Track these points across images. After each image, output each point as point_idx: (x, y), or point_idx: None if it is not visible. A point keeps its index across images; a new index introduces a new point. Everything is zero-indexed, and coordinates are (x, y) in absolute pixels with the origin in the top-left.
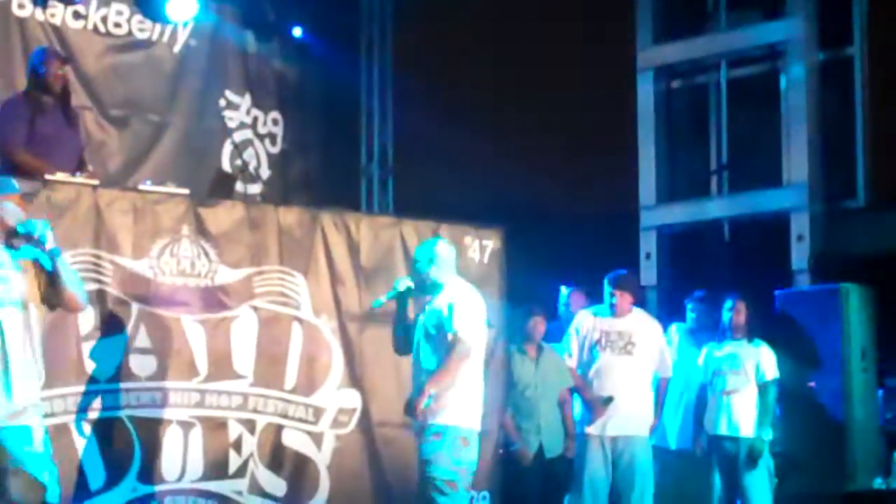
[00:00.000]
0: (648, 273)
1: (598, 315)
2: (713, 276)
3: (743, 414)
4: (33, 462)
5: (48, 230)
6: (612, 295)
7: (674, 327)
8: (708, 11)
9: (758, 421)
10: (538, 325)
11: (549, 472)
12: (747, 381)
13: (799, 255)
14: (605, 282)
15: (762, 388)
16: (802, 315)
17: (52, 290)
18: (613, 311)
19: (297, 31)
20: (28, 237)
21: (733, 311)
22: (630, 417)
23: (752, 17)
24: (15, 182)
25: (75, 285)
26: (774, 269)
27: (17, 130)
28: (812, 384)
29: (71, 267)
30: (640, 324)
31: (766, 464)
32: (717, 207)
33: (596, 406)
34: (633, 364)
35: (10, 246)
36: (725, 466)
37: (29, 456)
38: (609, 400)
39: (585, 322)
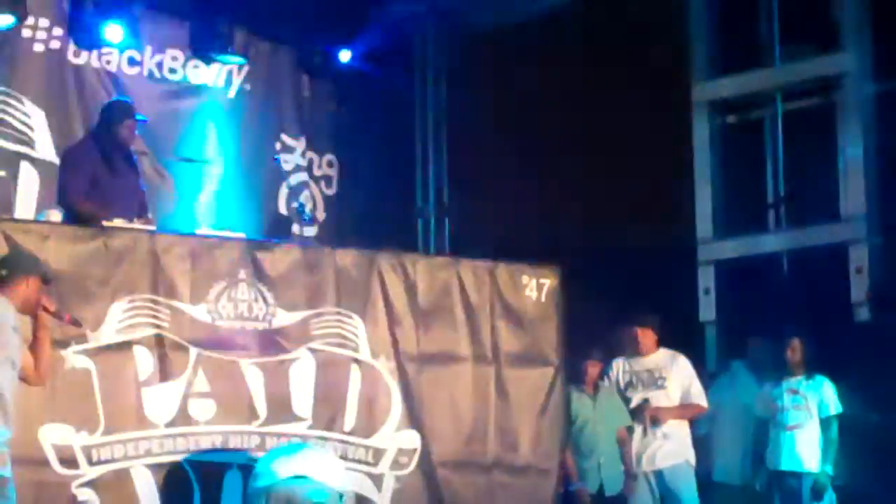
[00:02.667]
0: (707, 308)
1: (625, 358)
2: (772, 309)
3: (806, 449)
4: None
5: None
6: (634, 333)
7: (736, 363)
8: (762, 46)
9: (822, 455)
10: (590, 367)
11: None
12: (810, 416)
13: (858, 288)
14: (628, 325)
15: (825, 422)
16: (863, 348)
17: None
18: (638, 350)
19: (343, 56)
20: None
21: (789, 349)
22: (670, 449)
23: (807, 51)
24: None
25: (47, 361)
26: (834, 302)
27: (79, 180)
28: (875, 418)
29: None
30: (667, 359)
31: (830, 498)
32: (774, 241)
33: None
34: (666, 396)
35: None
36: (789, 502)
37: None
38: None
39: (615, 367)
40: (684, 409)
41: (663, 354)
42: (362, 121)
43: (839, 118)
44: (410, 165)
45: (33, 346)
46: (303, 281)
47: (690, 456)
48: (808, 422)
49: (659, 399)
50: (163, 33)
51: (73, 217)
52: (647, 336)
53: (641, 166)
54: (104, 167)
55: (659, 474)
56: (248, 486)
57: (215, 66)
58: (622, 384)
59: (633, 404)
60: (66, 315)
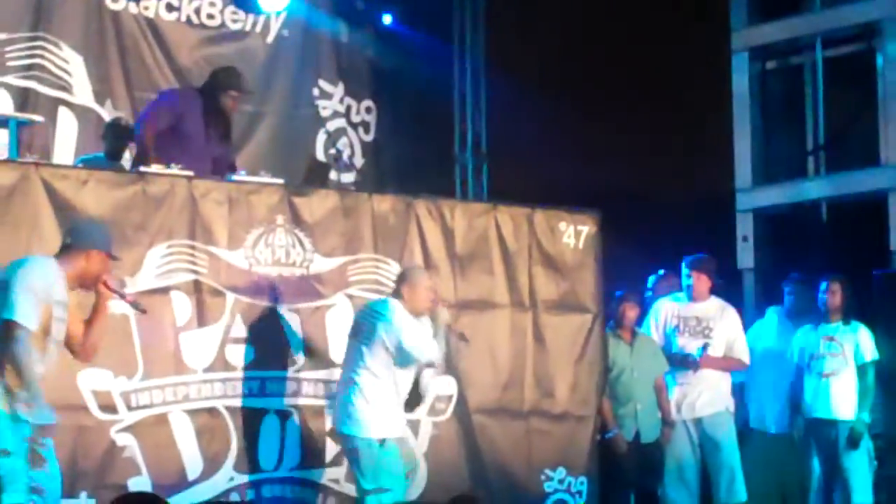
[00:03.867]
0: (745, 256)
1: (675, 301)
2: (811, 257)
3: (842, 397)
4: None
5: None
6: (688, 276)
7: (772, 310)
8: None
9: (858, 403)
10: (628, 310)
11: (646, 457)
12: (846, 364)
13: None
14: (682, 265)
15: (861, 369)
16: None
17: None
18: (690, 294)
19: (387, 19)
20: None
21: (828, 292)
22: (710, 398)
23: None
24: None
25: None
26: (873, 249)
27: (161, 117)
28: None
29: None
30: (717, 310)
31: (867, 446)
32: (813, 188)
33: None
34: (709, 347)
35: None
36: (825, 450)
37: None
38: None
39: (663, 309)
40: (727, 362)
41: (714, 303)
42: (401, 67)
43: (880, 64)
44: (449, 112)
45: (89, 321)
46: (340, 227)
47: (730, 404)
48: (843, 369)
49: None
50: None
51: (140, 147)
52: (701, 281)
53: (681, 113)
54: (198, 124)
55: (699, 422)
56: None
57: (253, 13)
58: (668, 327)
59: (688, 349)
60: (128, 297)
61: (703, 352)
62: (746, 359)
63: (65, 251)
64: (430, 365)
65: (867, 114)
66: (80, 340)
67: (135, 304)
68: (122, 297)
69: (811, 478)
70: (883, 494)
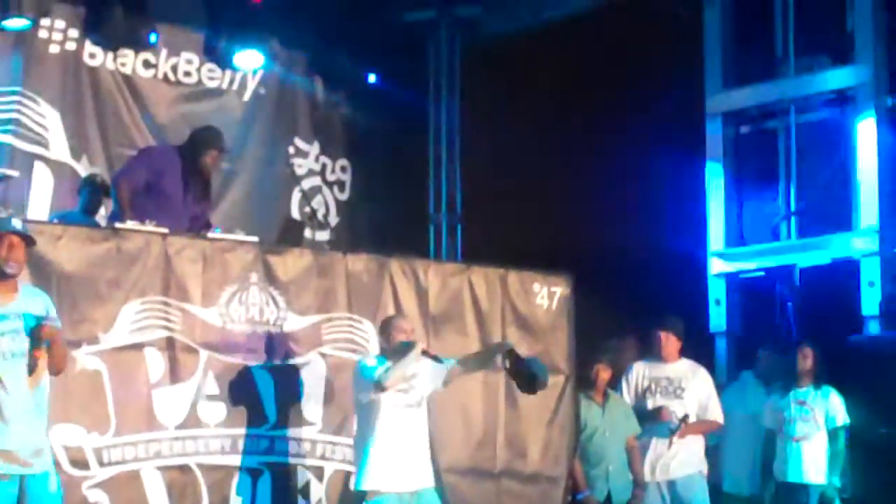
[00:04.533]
0: (718, 319)
1: (647, 363)
2: (784, 322)
3: (813, 461)
4: None
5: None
6: (658, 338)
7: (745, 373)
8: (777, 57)
9: (829, 467)
10: (601, 372)
11: None
12: (817, 428)
13: (870, 301)
14: (652, 326)
15: (832, 434)
16: (874, 361)
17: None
18: (661, 355)
19: (371, 78)
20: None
21: (800, 357)
22: (684, 459)
23: (822, 63)
24: (15, 222)
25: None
26: (846, 315)
27: (138, 174)
28: (883, 430)
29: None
30: (688, 370)
31: None
32: (787, 253)
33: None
34: (682, 407)
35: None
36: None
37: (50, 500)
38: (685, 418)
39: (636, 370)
40: (704, 426)
41: (685, 364)
42: (376, 127)
43: (853, 131)
44: (423, 172)
45: None
46: (314, 285)
47: (703, 467)
48: (815, 433)
49: (675, 408)
50: (177, 37)
51: (117, 204)
52: (670, 341)
53: (655, 176)
54: (176, 182)
55: (672, 484)
56: None
57: (230, 70)
58: (640, 389)
59: (672, 416)
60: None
61: (682, 425)
62: (721, 419)
63: None
64: (378, 386)
65: (841, 180)
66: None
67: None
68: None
69: None
70: None
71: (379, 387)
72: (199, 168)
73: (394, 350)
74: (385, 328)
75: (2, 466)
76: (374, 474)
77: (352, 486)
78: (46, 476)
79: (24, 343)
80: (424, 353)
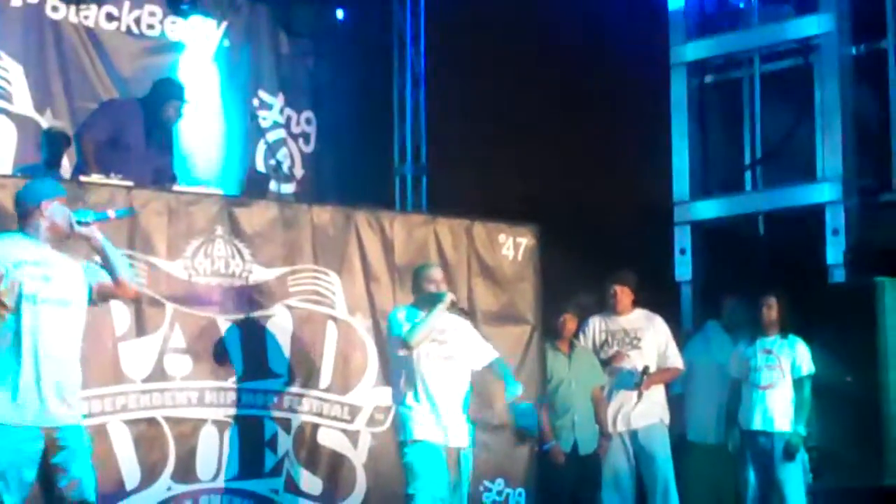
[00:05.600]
0: (683, 268)
1: (602, 316)
2: (748, 271)
3: (778, 409)
4: (83, 460)
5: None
6: (612, 292)
7: (711, 323)
8: (740, 7)
9: (794, 416)
10: (568, 322)
11: (584, 469)
12: (783, 377)
13: (834, 250)
14: (606, 282)
15: (798, 382)
16: (838, 309)
17: (106, 282)
18: (615, 308)
19: (339, 14)
20: (86, 223)
21: (765, 306)
22: (644, 409)
23: (785, 12)
24: (61, 185)
25: (126, 268)
26: (810, 263)
27: (102, 128)
28: (849, 379)
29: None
30: (643, 320)
31: (802, 459)
32: (751, 202)
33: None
34: (640, 358)
35: (61, 246)
36: (760, 462)
37: (82, 453)
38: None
39: (592, 324)
40: (665, 374)
41: (639, 314)
42: (341, 78)
43: (817, 80)
44: (389, 123)
45: (102, 263)
46: (280, 237)
47: (665, 416)
48: (780, 382)
49: (634, 359)
50: None
51: (80, 157)
52: (624, 294)
53: (619, 126)
54: (139, 134)
55: (633, 434)
56: None
57: (193, 22)
58: (598, 343)
59: (634, 369)
60: (109, 210)
61: (644, 377)
62: (681, 364)
63: (22, 218)
64: (404, 344)
65: (804, 128)
66: (111, 285)
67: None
68: (102, 219)
69: (747, 489)
70: None
71: (406, 345)
72: (161, 119)
73: (423, 301)
74: (416, 278)
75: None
76: (418, 425)
77: (394, 436)
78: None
79: None
80: (454, 305)
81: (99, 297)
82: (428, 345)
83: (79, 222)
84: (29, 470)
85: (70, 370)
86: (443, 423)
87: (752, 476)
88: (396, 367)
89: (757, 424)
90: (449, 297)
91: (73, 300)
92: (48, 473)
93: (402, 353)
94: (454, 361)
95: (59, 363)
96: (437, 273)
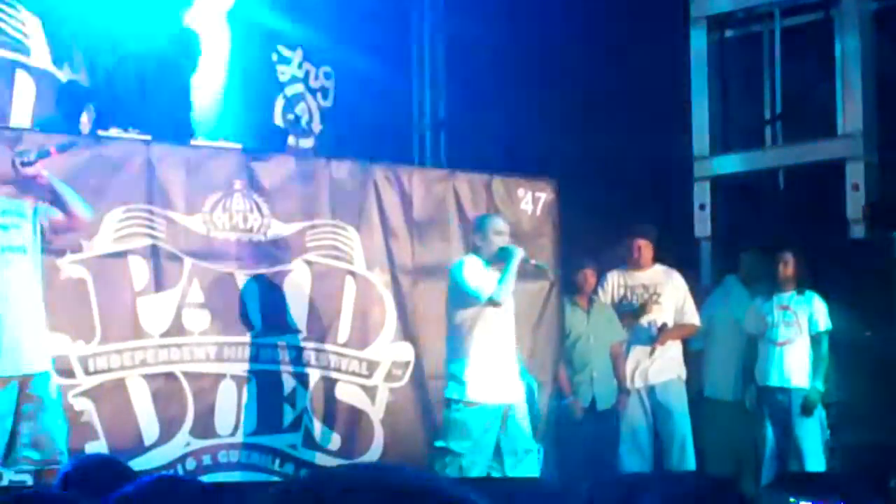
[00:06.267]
0: (702, 224)
1: (621, 271)
2: (768, 226)
3: (796, 365)
4: (52, 409)
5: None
6: (634, 245)
7: (729, 278)
8: None
9: (811, 371)
10: (589, 277)
11: (602, 425)
12: (800, 333)
13: (854, 205)
14: (627, 235)
15: (815, 338)
16: (857, 265)
17: (58, 217)
18: (638, 263)
19: None
20: (30, 162)
21: (781, 263)
22: (662, 365)
23: None
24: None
25: (77, 201)
26: (830, 218)
27: (118, 81)
28: (868, 334)
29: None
30: (662, 276)
31: (819, 415)
32: (771, 157)
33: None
34: (659, 313)
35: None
36: (778, 418)
37: (49, 402)
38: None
39: (611, 279)
40: (682, 331)
41: (659, 270)
42: (360, 33)
43: (838, 34)
44: (408, 78)
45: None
46: (298, 192)
47: (682, 372)
48: (797, 338)
49: (653, 314)
50: None
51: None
52: (647, 248)
53: (640, 80)
54: (156, 90)
55: (650, 390)
56: None
57: None
58: (617, 298)
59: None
60: (51, 146)
61: (660, 333)
62: (697, 321)
63: None
64: (492, 303)
65: (825, 83)
66: (63, 219)
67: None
68: (44, 156)
69: (764, 445)
70: (836, 462)
71: (495, 303)
72: (178, 71)
73: (490, 254)
74: (481, 228)
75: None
76: (473, 385)
77: (440, 393)
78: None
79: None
80: (524, 259)
81: (52, 234)
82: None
83: (22, 163)
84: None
85: (34, 318)
86: (498, 381)
87: (770, 432)
88: (458, 322)
89: (774, 380)
90: (520, 251)
91: (31, 247)
92: (16, 422)
93: (471, 308)
94: (510, 316)
95: (21, 311)
96: (503, 225)
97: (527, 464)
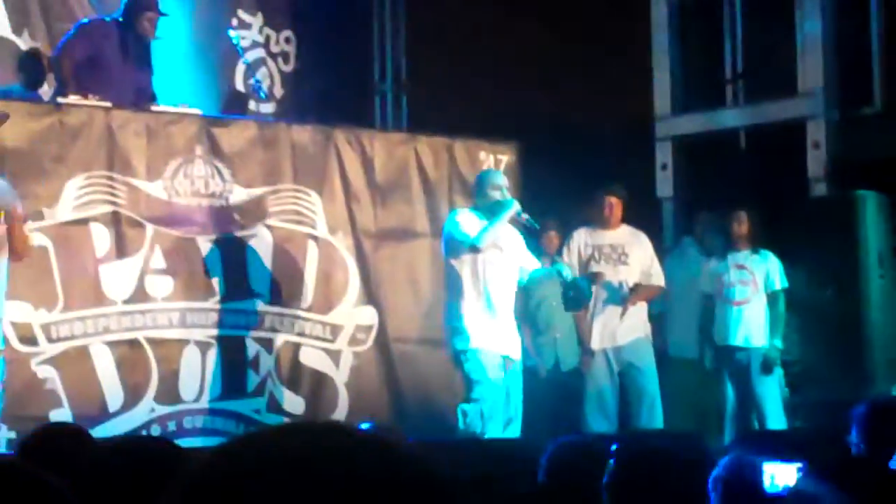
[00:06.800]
0: (664, 184)
1: (588, 229)
2: (730, 185)
3: (754, 324)
4: None
5: None
6: (606, 203)
7: (686, 240)
8: None
9: (769, 330)
10: (552, 239)
11: (566, 386)
12: (756, 291)
13: (815, 163)
14: (598, 193)
15: (771, 297)
16: (818, 223)
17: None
18: (608, 221)
19: None
20: None
21: (736, 222)
22: (629, 325)
23: None
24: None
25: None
26: (791, 177)
27: (79, 48)
28: (829, 292)
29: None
30: (630, 236)
31: (778, 373)
32: (732, 117)
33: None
34: (627, 274)
35: None
36: (738, 377)
37: None
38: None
39: (577, 238)
40: (649, 292)
41: (626, 231)
42: None
43: None
44: (368, 42)
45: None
46: (259, 157)
47: (648, 331)
48: (754, 297)
49: (620, 274)
50: None
51: (59, 78)
52: (618, 207)
53: (600, 42)
54: (116, 53)
55: (618, 350)
56: None
57: None
58: (584, 257)
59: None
60: None
61: (632, 293)
62: (663, 282)
63: None
64: (473, 247)
65: (785, 42)
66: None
67: None
68: None
69: (725, 404)
70: (797, 420)
71: (474, 248)
72: (137, 34)
73: (485, 207)
74: (480, 184)
75: None
76: (475, 333)
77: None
78: None
79: None
80: (518, 216)
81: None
82: (490, 251)
83: None
84: None
85: None
86: (501, 332)
87: (730, 391)
88: (454, 273)
89: (733, 340)
90: (515, 204)
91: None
92: None
93: (464, 256)
94: (511, 270)
95: None
96: (502, 179)
97: (516, 422)
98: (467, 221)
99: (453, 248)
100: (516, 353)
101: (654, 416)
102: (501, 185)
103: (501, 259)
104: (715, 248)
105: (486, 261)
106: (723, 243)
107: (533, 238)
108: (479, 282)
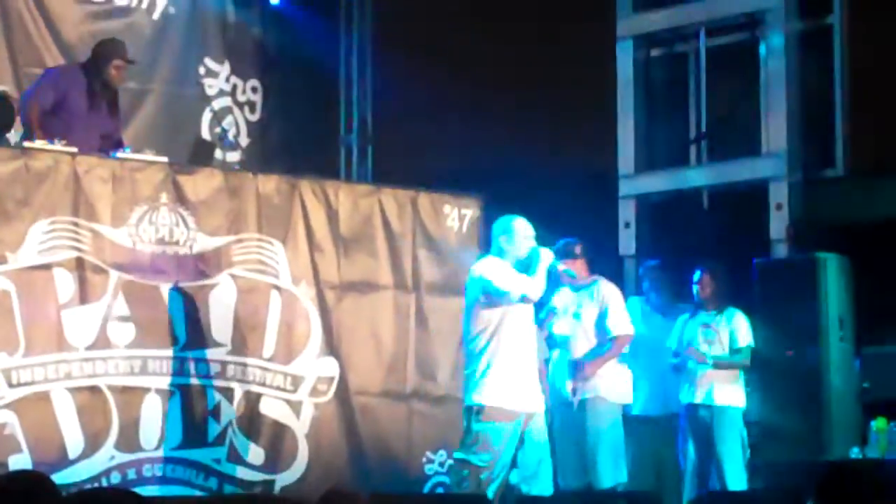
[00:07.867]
0: (628, 242)
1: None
2: (692, 244)
3: (718, 382)
4: None
5: None
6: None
7: (633, 298)
8: None
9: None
10: None
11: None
12: (722, 350)
13: (777, 225)
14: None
15: (736, 352)
16: (780, 284)
17: None
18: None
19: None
20: None
21: (699, 284)
22: (594, 382)
23: None
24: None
25: None
26: (753, 238)
27: (46, 94)
28: (790, 353)
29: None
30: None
31: (741, 433)
32: (696, 176)
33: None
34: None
35: None
36: (700, 435)
37: None
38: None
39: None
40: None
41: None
42: (287, 47)
43: (763, 54)
44: (335, 93)
45: None
46: (224, 206)
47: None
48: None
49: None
50: None
51: (26, 124)
52: (582, 266)
53: (565, 98)
54: (83, 100)
55: (581, 404)
56: None
57: None
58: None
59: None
60: None
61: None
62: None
63: None
64: (525, 300)
65: (749, 103)
66: None
67: None
68: None
69: (686, 462)
70: (758, 481)
71: (528, 300)
72: (105, 81)
73: (522, 257)
74: (508, 230)
75: None
76: (494, 390)
77: (459, 398)
78: None
79: None
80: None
81: None
82: (518, 307)
83: None
84: None
85: None
86: (520, 389)
87: (691, 449)
88: (479, 328)
89: (697, 398)
90: (548, 252)
91: None
92: None
93: (499, 307)
94: (531, 324)
95: None
96: (529, 228)
97: (542, 476)
98: (505, 272)
99: (492, 298)
100: (539, 406)
101: (619, 471)
102: (531, 234)
103: (523, 312)
104: (679, 308)
105: (509, 316)
106: (685, 302)
107: None
108: (504, 338)
